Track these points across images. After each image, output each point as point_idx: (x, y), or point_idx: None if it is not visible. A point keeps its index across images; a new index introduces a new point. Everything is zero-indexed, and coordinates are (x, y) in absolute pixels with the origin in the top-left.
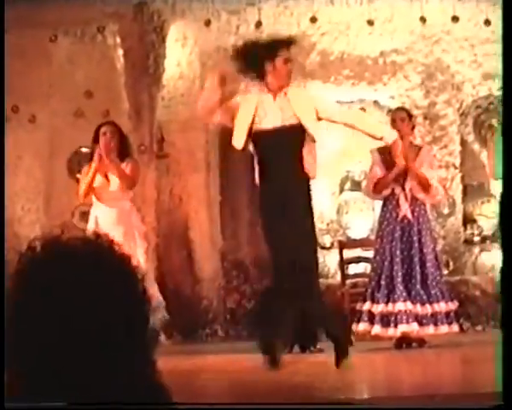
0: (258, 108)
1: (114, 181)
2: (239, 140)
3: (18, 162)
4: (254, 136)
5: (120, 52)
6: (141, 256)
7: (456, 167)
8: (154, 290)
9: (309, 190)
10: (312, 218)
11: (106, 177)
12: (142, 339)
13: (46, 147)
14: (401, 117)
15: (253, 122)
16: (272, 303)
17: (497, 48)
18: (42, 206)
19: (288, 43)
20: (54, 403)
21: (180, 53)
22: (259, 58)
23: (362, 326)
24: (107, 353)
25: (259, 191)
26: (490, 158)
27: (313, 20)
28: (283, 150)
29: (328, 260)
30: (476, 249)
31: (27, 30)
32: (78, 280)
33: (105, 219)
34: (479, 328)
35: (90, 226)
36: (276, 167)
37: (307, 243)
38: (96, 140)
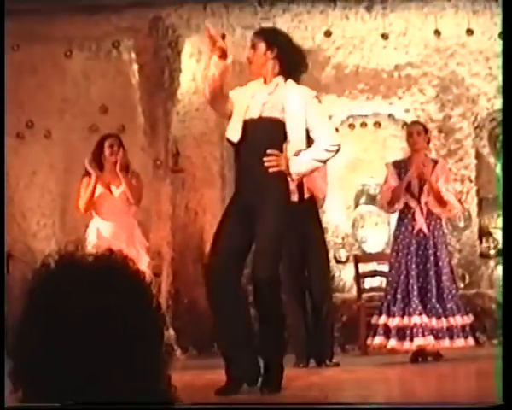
0: (252, 98)
1: (118, 193)
2: (233, 132)
3: (33, 177)
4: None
5: (135, 67)
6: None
7: (471, 181)
8: None
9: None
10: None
11: (108, 189)
12: (157, 354)
13: (61, 162)
14: (418, 130)
15: (246, 112)
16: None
17: None
18: (57, 221)
19: (260, 32)
20: (53, 403)
21: (195, 68)
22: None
23: (378, 340)
24: (123, 368)
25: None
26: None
27: (328, 34)
28: (263, 143)
29: (344, 274)
30: (492, 263)
31: (42, 45)
32: (92, 297)
33: (107, 232)
34: (495, 341)
35: (92, 239)
36: (253, 161)
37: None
38: (97, 152)
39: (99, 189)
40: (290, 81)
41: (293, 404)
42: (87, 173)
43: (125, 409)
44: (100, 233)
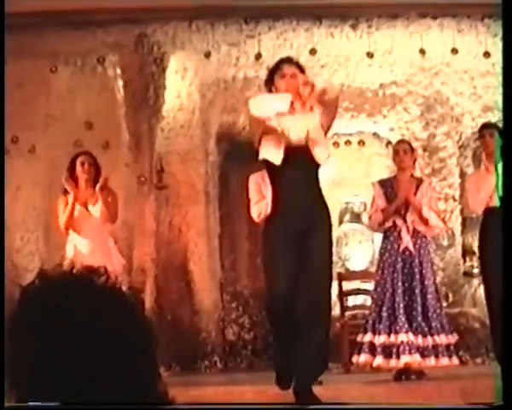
0: (281, 122)
1: (95, 211)
2: (276, 155)
3: (17, 193)
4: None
5: (120, 83)
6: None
7: (455, 200)
8: None
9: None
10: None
11: (85, 207)
12: (151, 367)
13: (45, 177)
14: (404, 149)
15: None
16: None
17: (497, 80)
18: (41, 236)
19: (280, 61)
20: (53, 403)
21: (180, 84)
22: (267, 86)
23: (363, 358)
24: (117, 383)
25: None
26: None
27: (313, 52)
28: (302, 173)
29: None
30: (475, 282)
31: (27, 60)
32: (82, 313)
33: (84, 249)
34: (478, 360)
35: (70, 255)
36: (295, 191)
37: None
38: (71, 170)
39: (76, 206)
40: None
41: (292, 404)
42: (65, 191)
43: (123, 409)
44: (77, 250)
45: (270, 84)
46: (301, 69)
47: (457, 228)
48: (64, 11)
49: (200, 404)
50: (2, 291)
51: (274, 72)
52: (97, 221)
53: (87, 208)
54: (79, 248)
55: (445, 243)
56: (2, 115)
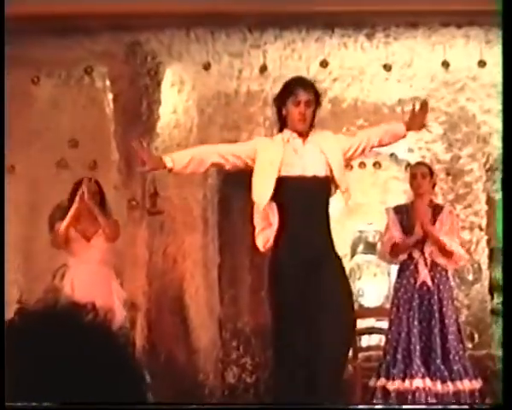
0: (285, 155)
1: (94, 242)
2: (263, 196)
3: None
4: (279, 184)
5: (110, 96)
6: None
7: (481, 229)
8: None
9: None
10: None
11: (84, 237)
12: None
13: (25, 200)
14: (422, 172)
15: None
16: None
17: None
18: (21, 265)
19: (296, 83)
20: (54, 403)
21: (176, 99)
22: (276, 104)
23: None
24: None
25: (276, 251)
26: None
27: (324, 64)
28: (313, 204)
29: None
30: None
31: (7, 70)
32: (66, 353)
33: (82, 283)
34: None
35: (67, 290)
36: (305, 221)
37: None
38: (73, 195)
39: (75, 235)
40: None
41: (292, 404)
42: (61, 217)
43: (121, 409)
44: (75, 285)
45: (280, 104)
46: (317, 94)
47: (484, 261)
48: (48, 16)
49: (199, 404)
50: (3, 291)
51: (288, 95)
52: (97, 253)
53: (86, 239)
54: (76, 284)
55: (470, 277)
56: (2, 130)
